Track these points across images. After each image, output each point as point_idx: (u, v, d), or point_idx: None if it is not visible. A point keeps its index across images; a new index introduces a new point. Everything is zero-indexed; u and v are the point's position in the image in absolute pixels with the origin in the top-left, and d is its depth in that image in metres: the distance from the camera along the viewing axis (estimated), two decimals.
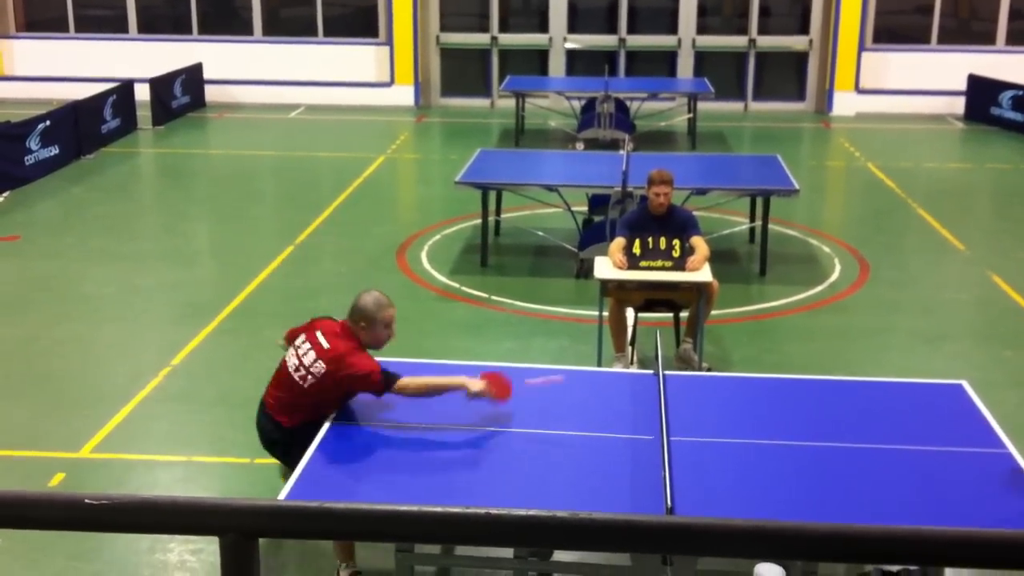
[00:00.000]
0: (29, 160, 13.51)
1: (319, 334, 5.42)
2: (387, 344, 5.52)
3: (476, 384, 5.31)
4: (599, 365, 7.66)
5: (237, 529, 1.74)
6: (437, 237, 11.41)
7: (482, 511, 1.70)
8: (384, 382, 5.27)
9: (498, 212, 11.30)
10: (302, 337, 5.49)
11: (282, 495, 4.63)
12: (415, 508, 1.72)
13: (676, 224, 7.91)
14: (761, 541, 1.70)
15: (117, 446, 6.91)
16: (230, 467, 6.63)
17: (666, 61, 19.47)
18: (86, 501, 1.76)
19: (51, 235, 11.60)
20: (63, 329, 8.90)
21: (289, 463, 5.29)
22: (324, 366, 5.29)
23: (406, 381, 5.30)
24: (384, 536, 1.87)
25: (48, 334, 8.77)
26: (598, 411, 5.52)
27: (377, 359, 5.38)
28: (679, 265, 7.61)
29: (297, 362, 5.37)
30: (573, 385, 5.90)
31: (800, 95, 19.40)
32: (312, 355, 5.34)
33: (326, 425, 5.29)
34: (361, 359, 5.31)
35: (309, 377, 5.31)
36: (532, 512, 1.69)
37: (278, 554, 5.62)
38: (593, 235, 10.11)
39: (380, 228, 11.82)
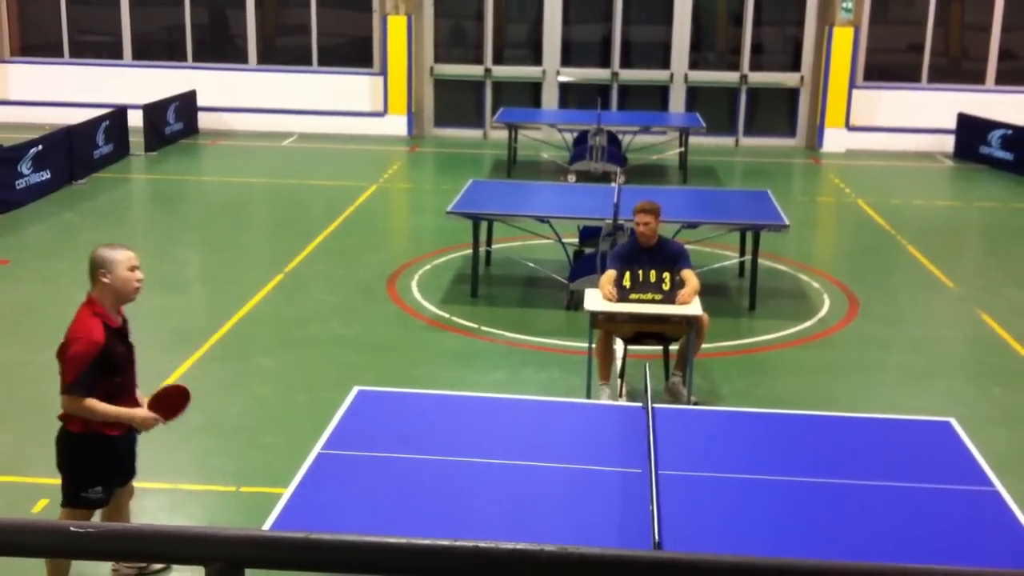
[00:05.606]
0: (20, 184, 13.50)
1: None
2: (138, 290, 5.25)
3: (142, 416, 5.22)
4: (588, 397, 7.65)
5: (223, 558, 1.73)
6: (428, 267, 11.42)
7: (469, 544, 1.69)
8: (74, 385, 5.11)
9: (489, 243, 11.32)
10: None
11: (267, 525, 4.60)
12: (402, 540, 1.72)
13: (667, 257, 7.93)
14: None
15: None
16: (216, 495, 6.59)
17: (658, 95, 19.58)
18: (71, 528, 1.75)
19: (41, 260, 11.57)
20: (51, 354, 8.82)
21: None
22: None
23: (91, 403, 5.09)
24: (370, 568, 1.85)
25: (36, 359, 8.73)
26: (586, 444, 5.51)
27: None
28: (669, 298, 7.63)
29: None
30: (561, 417, 5.89)
31: (791, 131, 19.52)
32: None
33: (314, 453, 5.26)
34: (77, 339, 5.19)
35: None
36: (520, 545, 1.69)
37: None
38: (583, 267, 10.13)
39: (371, 257, 11.83)
